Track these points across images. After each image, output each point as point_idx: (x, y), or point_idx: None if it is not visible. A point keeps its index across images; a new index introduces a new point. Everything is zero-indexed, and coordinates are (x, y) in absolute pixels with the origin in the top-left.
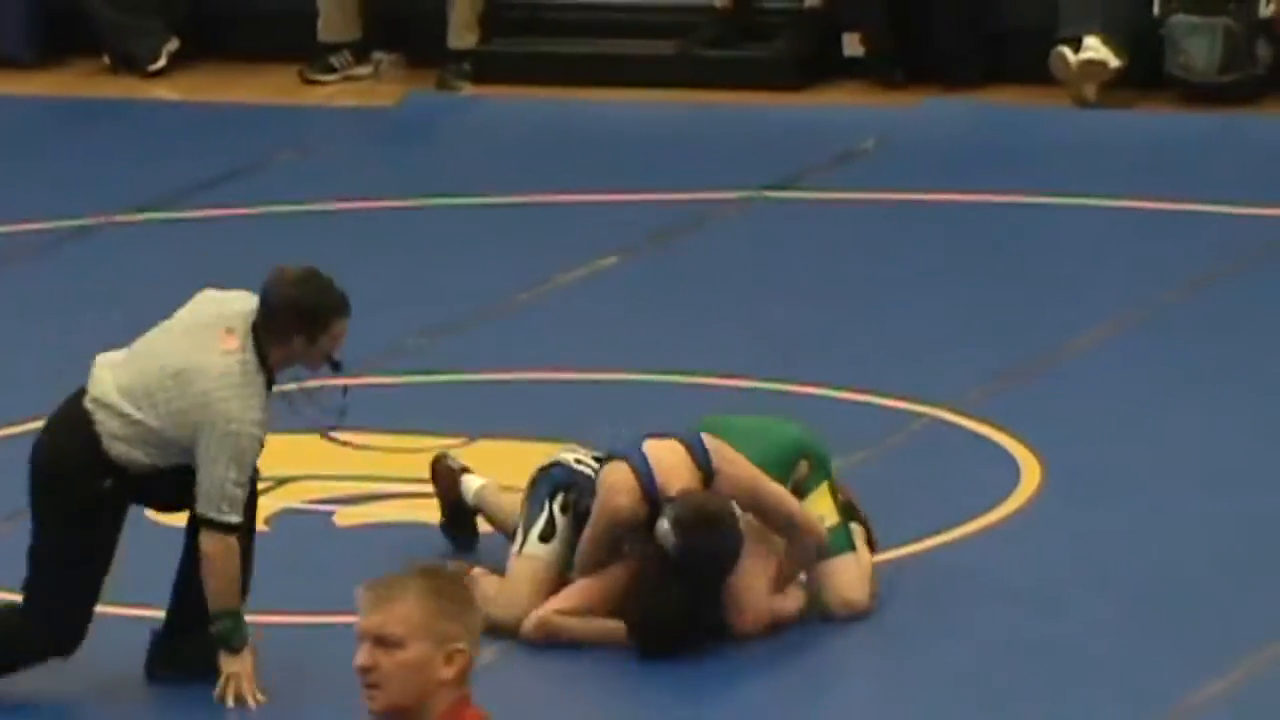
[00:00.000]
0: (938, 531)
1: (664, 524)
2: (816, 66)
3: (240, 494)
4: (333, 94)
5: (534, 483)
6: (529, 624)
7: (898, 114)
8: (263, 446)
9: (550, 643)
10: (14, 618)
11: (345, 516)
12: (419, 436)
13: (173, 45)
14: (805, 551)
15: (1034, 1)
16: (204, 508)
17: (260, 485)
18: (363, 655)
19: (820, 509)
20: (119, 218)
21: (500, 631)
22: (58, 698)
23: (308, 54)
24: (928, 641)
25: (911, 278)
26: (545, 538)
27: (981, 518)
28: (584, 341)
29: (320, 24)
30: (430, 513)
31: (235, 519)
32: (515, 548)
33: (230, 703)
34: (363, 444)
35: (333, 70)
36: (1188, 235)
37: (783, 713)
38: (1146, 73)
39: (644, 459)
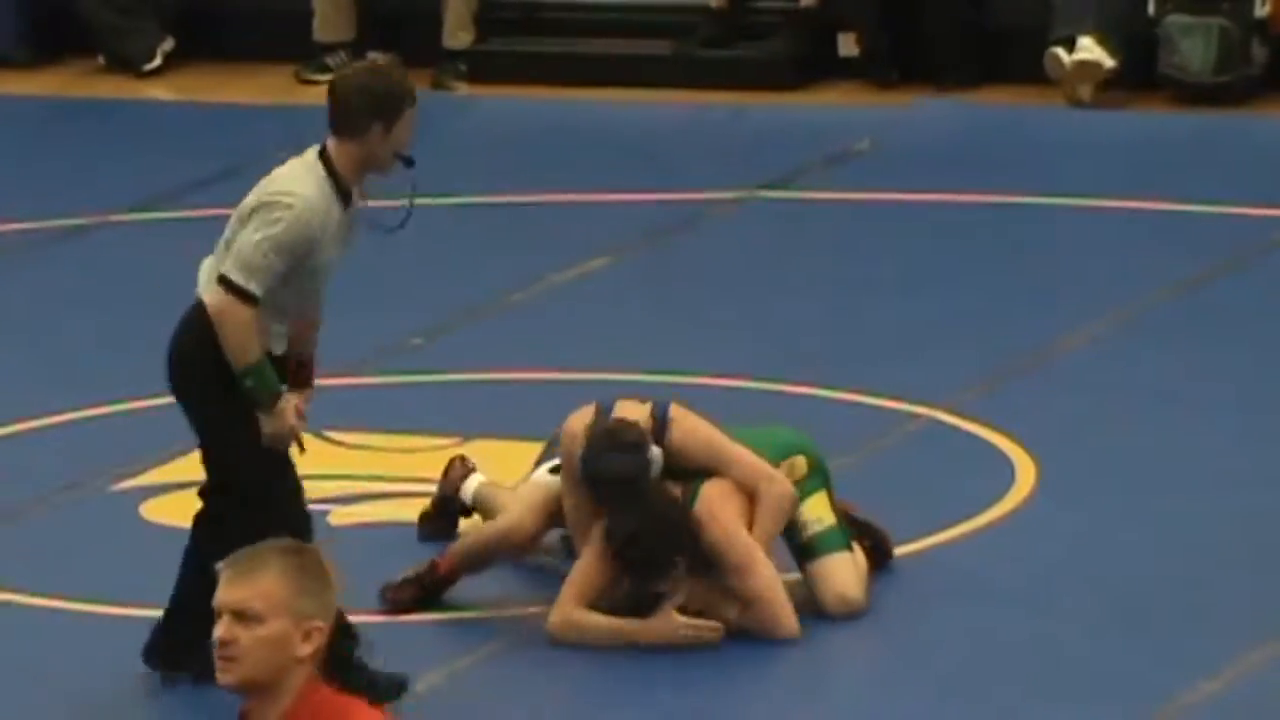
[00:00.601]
0: (932, 532)
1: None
2: (811, 66)
3: (265, 265)
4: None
5: (555, 438)
6: (555, 621)
7: (892, 114)
8: (314, 244)
9: (577, 643)
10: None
11: (340, 516)
12: (413, 436)
13: (167, 45)
14: (777, 504)
15: (1028, 1)
16: (226, 266)
17: None
18: (222, 628)
19: (817, 512)
20: (114, 217)
21: (498, 549)
22: (41, 699)
23: (303, 54)
24: (921, 640)
25: (906, 278)
26: (556, 470)
27: (976, 518)
28: (578, 341)
29: (315, 24)
30: None
31: (251, 288)
32: (526, 476)
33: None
34: (357, 443)
35: (328, 70)
36: (1182, 235)
37: (774, 711)
38: (1141, 73)
39: (609, 404)
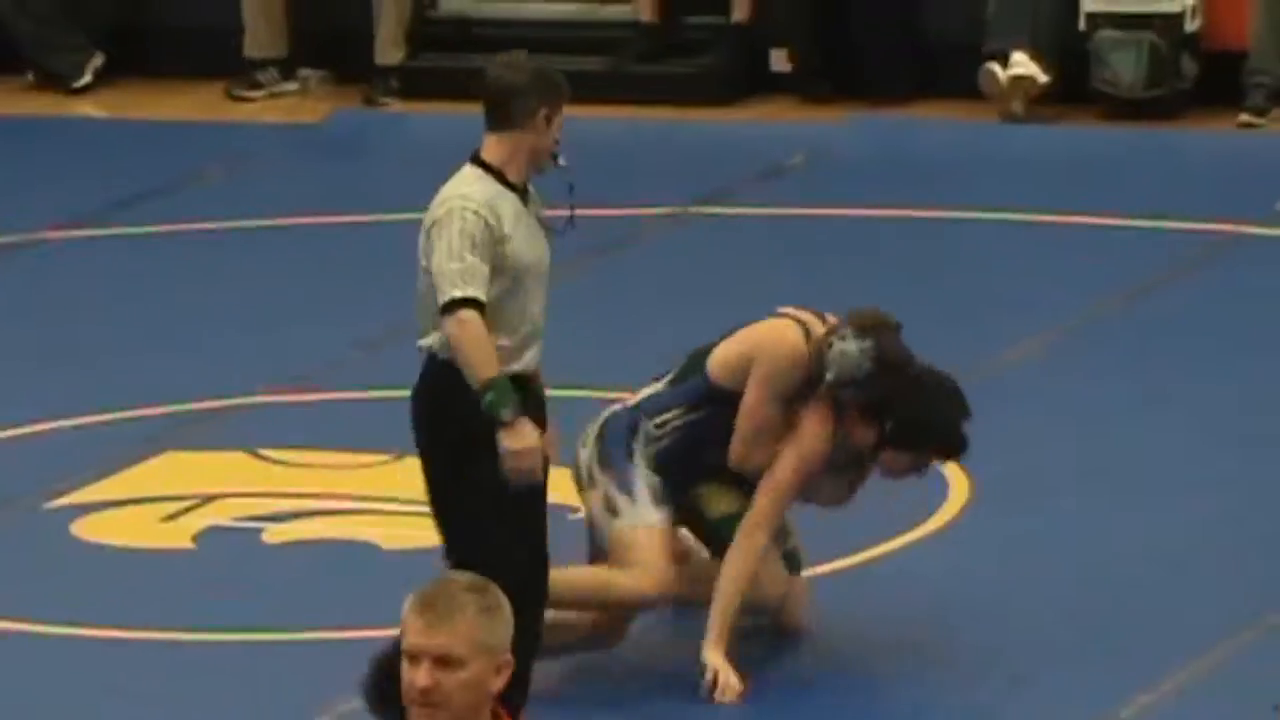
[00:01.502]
0: (867, 546)
1: (847, 345)
2: (744, 82)
3: (464, 267)
4: (260, 110)
5: (602, 439)
6: (747, 526)
7: (826, 129)
8: (501, 238)
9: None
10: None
11: (274, 534)
12: (346, 453)
13: (98, 62)
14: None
15: (961, 17)
16: (441, 294)
17: (186, 504)
18: (424, 676)
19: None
20: (45, 235)
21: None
22: None
23: (234, 71)
24: (862, 652)
25: (841, 292)
26: (660, 501)
27: (910, 532)
28: None
29: (246, 40)
30: (359, 528)
31: (463, 292)
32: (623, 519)
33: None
34: (290, 461)
35: (260, 87)
36: (1115, 249)
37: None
38: (1073, 87)
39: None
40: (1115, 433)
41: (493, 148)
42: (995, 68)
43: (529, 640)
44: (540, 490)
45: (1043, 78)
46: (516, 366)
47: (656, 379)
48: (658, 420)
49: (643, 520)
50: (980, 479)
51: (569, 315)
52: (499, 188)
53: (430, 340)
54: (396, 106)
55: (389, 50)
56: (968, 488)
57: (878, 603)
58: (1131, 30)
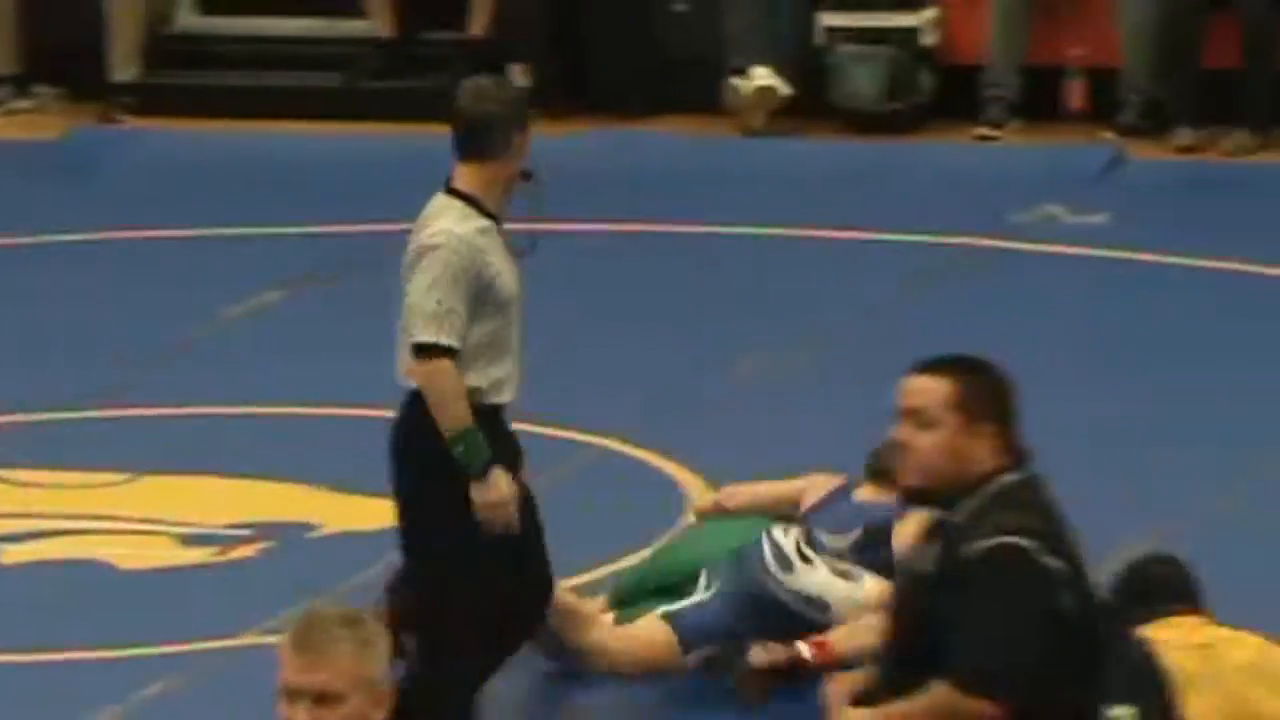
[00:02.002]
0: (606, 560)
1: None
2: None
3: (442, 310)
4: None
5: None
6: None
7: (564, 144)
8: (486, 273)
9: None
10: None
11: (11, 554)
12: (83, 473)
13: None
14: None
15: (699, 32)
16: (412, 333)
17: None
18: (304, 715)
19: None
20: None
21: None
22: None
23: None
24: None
25: (578, 308)
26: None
27: (649, 546)
28: (251, 376)
29: None
30: (96, 548)
31: (442, 340)
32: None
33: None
34: (27, 481)
35: None
36: (854, 262)
37: None
38: (812, 102)
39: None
40: (848, 445)
41: (469, 177)
42: (738, 81)
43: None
44: (532, 522)
45: (786, 90)
46: (506, 398)
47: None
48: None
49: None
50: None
51: (308, 332)
52: (482, 220)
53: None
54: (133, 123)
55: (124, 67)
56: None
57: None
58: (870, 44)
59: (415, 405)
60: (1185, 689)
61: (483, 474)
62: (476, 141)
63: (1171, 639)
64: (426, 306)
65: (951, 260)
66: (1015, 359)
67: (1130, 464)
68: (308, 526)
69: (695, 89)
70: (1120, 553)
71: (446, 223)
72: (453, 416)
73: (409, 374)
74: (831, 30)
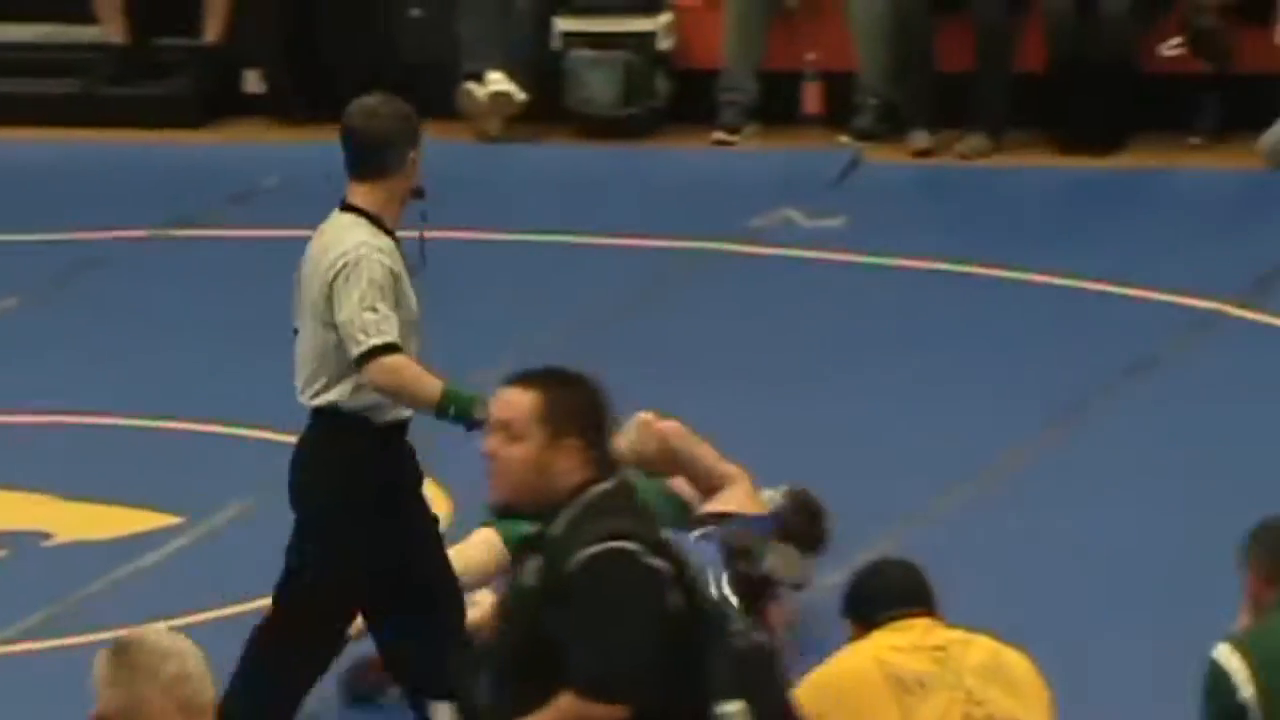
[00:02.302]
0: None
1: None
2: (217, 103)
3: (380, 317)
4: None
5: None
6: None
7: (300, 150)
8: (398, 280)
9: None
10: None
11: None
12: None
13: None
14: None
15: (436, 38)
16: (353, 347)
17: None
18: None
19: None
20: None
21: None
22: None
23: None
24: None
25: None
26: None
27: None
28: None
29: None
30: None
31: (383, 339)
32: None
33: None
34: None
35: None
36: (591, 267)
37: None
38: (548, 107)
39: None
40: None
41: (365, 195)
42: (473, 86)
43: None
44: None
45: (521, 96)
46: (405, 414)
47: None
48: None
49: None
50: (459, 500)
51: (45, 340)
52: (380, 233)
53: (334, 395)
54: None
55: None
56: (448, 509)
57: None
58: (605, 49)
59: (335, 427)
60: (919, 691)
61: (484, 419)
62: (373, 160)
63: (905, 642)
64: (365, 316)
65: (690, 265)
66: (755, 361)
67: (868, 464)
68: (41, 535)
69: (432, 94)
70: (858, 556)
71: (361, 235)
72: (426, 394)
73: (343, 392)
74: (567, 35)
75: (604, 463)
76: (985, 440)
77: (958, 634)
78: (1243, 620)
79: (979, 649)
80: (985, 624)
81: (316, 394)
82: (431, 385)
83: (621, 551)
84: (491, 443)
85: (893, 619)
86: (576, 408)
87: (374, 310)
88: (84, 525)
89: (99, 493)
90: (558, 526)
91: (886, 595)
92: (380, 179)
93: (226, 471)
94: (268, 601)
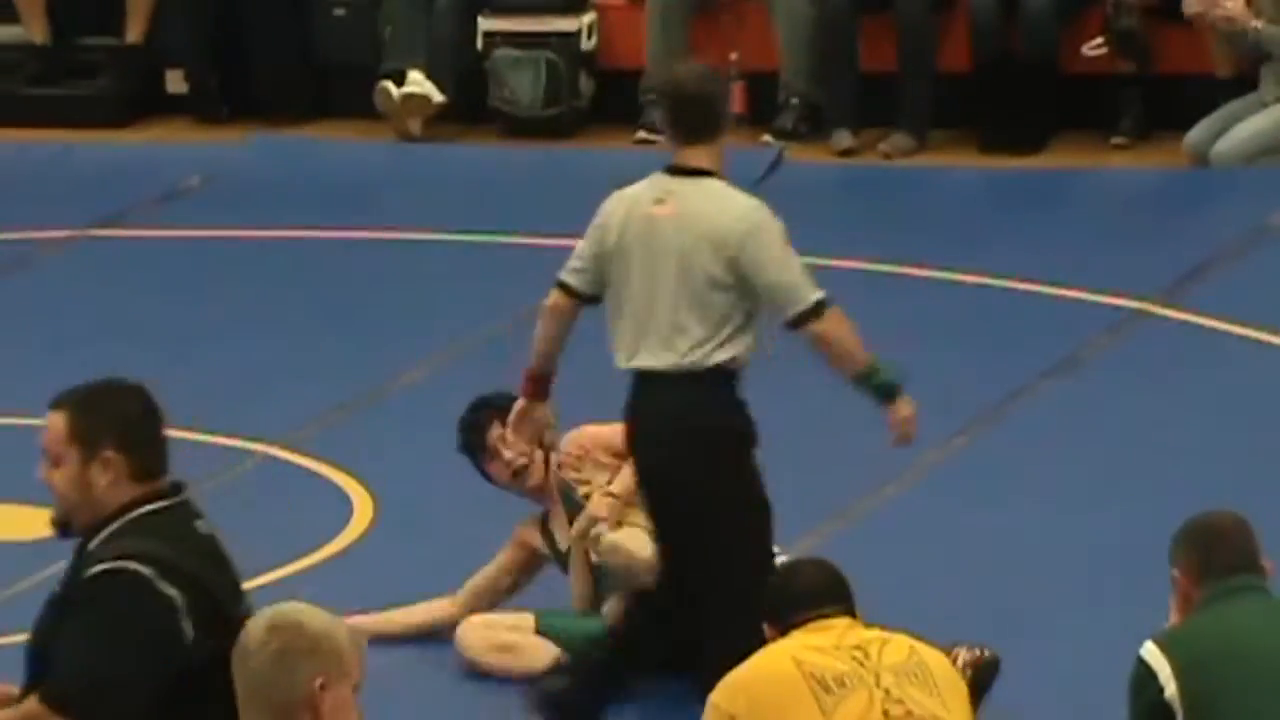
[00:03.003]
0: (270, 568)
1: None
2: (140, 103)
3: (804, 270)
4: None
5: None
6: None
7: (223, 150)
8: None
9: None
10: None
11: None
12: None
13: None
14: None
15: (358, 37)
16: (795, 298)
17: None
18: None
19: None
20: None
21: None
22: None
23: None
24: None
25: (242, 315)
26: None
27: (313, 553)
28: None
29: None
30: None
31: (819, 294)
32: None
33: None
34: None
35: None
36: (515, 267)
37: None
38: (471, 106)
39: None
40: None
41: (704, 156)
42: (390, 86)
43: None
44: None
45: (438, 97)
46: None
47: None
48: None
49: None
50: (381, 500)
51: None
52: None
53: (727, 353)
54: None
55: None
56: (371, 509)
57: None
58: (529, 49)
59: (718, 384)
60: (839, 691)
61: (896, 396)
62: (711, 121)
63: (823, 642)
64: (792, 276)
65: None
66: None
67: (788, 464)
68: None
69: (355, 94)
70: (779, 555)
71: (742, 198)
72: (859, 353)
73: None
74: (490, 35)
75: (154, 478)
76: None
77: (875, 633)
78: (1173, 618)
79: (896, 648)
80: (905, 624)
81: (707, 354)
82: (861, 347)
83: (124, 571)
84: (40, 470)
85: (810, 620)
86: (109, 422)
87: (796, 265)
88: (10, 526)
89: (25, 494)
90: (96, 541)
91: (803, 596)
92: (715, 138)
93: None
94: None
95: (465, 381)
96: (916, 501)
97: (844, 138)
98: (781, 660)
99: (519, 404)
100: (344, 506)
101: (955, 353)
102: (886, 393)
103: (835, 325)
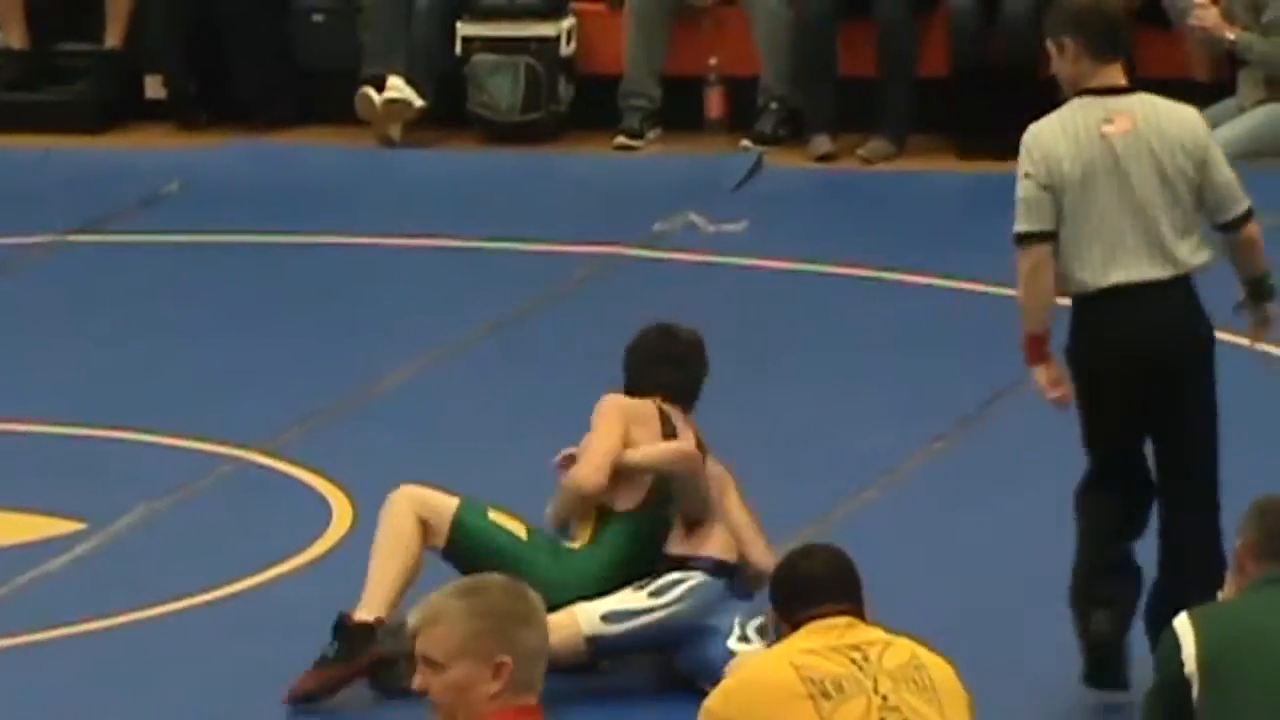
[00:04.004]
0: (249, 573)
1: None
2: (119, 109)
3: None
4: None
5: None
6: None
7: (203, 156)
8: None
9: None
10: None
11: None
12: None
13: None
14: None
15: (338, 43)
16: (1241, 206)
17: None
18: (418, 678)
19: None
20: None
21: None
22: None
23: None
24: (247, 674)
25: (221, 320)
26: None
27: (292, 558)
28: None
29: None
30: None
31: (1248, 199)
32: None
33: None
34: None
35: None
36: (495, 272)
37: None
38: (450, 111)
39: None
40: (489, 456)
41: (1123, 74)
42: (370, 92)
43: None
44: None
45: (418, 102)
46: None
47: None
48: None
49: None
50: (361, 505)
51: None
52: None
53: (1205, 253)
54: None
55: None
56: (350, 514)
57: (260, 632)
58: (508, 54)
59: (1192, 289)
60: (837, 696)
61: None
62: (1123, 38)
63: (821, 644)
64: (1234, 176)
65: (593, 270)
66: None
67: (770, 470)
68: None
69: (335, 100)
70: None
71: (1186, 108)
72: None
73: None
74: (469, 40)
75: None
76: (889, 443)
77: (878, 634)
78: (1227, 590)
79: (897, 652)
80: (892, 629)
81: (1193, 253)
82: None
83: None
84: None
85: (813, 618)
86: None
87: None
88: None
89: (1, 499)
90: None
91: (809, 590)
92: (1124, 56)
93: (128, 477)
94: (170, 607)
95: (444, 386)
96: (899, 505)
97: (823, 142)
98: (778, 665)
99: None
100: (323, 512)
101: (935, 357)
102: (1270, 293)
103: (1258, 229)
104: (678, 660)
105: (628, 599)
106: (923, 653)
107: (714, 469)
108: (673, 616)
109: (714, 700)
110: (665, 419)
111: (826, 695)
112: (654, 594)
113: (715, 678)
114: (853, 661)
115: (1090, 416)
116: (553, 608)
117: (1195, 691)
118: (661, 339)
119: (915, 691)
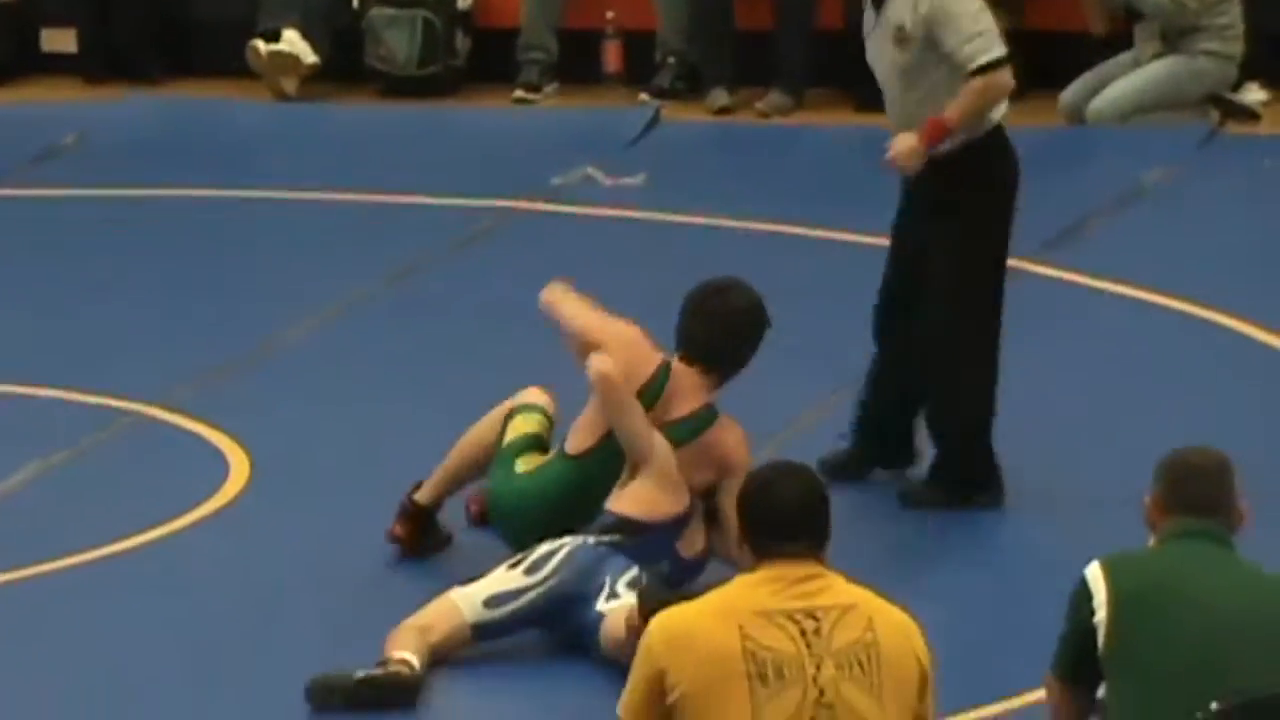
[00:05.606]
0: (144, 528)
1: None
2: (16, 62)
3: (990, 24)
4: None
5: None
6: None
7: (100, 109)
8: None
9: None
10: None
11: None
12: None
13: None
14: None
15: None
16: (968, 64)
17: None
18: None
19: None
20: None
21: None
22: None
23: None
24: (145, 628)
25: (116, 274)
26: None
27: (188, 514)
28: None
29: None
30: None
31: (1000, 52)
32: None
33: None
34: None
35: None
36: (390, 227)
37: None
38: (347, 65)
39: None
40: (387, 409)
41: None
42: (259, 44)
43: None
44: None
45: (310, 58)
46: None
47: None
48: None
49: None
50: (257, 460)
51: None
52: None
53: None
54: None
55: None
56: (247, 467)
57: (147, 590)
58: (405, 8)
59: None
60: (775, 684)
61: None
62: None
63: (776, 603)
64: (981, 27)
65: (491, 224)
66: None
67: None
68: None
69: (232, 51)
70: None
71: None
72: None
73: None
74: None
75: None
76: (783, 398)
77: (836, 591)
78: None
79: (851, 624)
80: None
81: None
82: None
83: None
84: None
85: (775, 555)
86: None
87: (984, 13)
88: None
89: None
90: None
91: (777, 521)
92: None
93: (22, 434)
94: (65, 562)
95: (342, 340)
96: (795, 458)
97: (720, 96)
98: (729, 630)
99: None
100: (220, 466)
101: (832, 311)
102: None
103: (991, 84)
104: (555, 632)
105: (505, 580)
106: (879, 620)
107: (727, 449)
108: (551, 590)
109: (659, 631)
110: (661, 374)
111: (764, 680)
112: (528, 571)
113: (593, 641)
114: (802, 634)
115: (1007, 236)
116: (496, 519)
117: (1101, 640)
118: (699, 290)
119: (858, 680)
